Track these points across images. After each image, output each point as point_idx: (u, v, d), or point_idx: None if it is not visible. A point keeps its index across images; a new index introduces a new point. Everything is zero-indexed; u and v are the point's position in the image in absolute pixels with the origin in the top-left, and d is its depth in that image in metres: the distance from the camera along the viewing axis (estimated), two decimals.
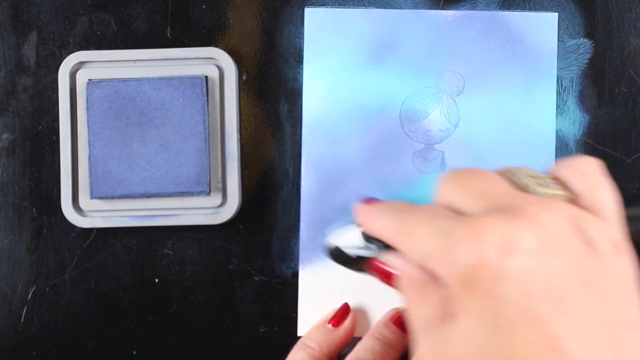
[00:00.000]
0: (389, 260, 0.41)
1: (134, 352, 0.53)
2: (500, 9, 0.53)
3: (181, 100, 0.51)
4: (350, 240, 0.42)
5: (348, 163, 0.53)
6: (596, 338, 0.32)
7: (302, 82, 0.53)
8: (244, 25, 0.54)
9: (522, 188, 0.37)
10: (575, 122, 0.53)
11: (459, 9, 0.53)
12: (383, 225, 0.39)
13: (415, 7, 0.53)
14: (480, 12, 0.53)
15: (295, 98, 0.53)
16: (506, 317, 0.33)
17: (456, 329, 0.34)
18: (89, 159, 0.51)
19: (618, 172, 0.53)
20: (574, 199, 0.37)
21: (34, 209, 0.53)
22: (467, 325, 0.34)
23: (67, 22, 0.54)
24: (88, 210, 0.52)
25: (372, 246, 0.41)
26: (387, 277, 0.41)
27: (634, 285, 0.35)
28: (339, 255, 0.43)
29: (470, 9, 0.53)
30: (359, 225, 0.42)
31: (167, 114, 0.51)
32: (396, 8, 0.53)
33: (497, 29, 0.53)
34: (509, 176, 0.38)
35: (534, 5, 0.53)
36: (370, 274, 0.42)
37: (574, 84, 0.53)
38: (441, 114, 0.53)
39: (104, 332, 0.53)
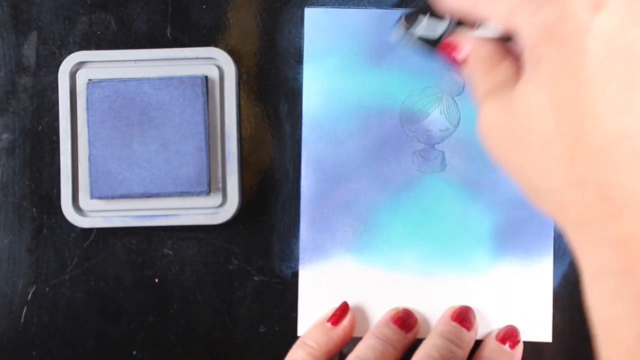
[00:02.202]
0: (462, 37, 0.41)
1: (134, 352, 0.53)
2: None
3: (181, 100, 0.51)
4: (422, 22, 0.43)
5: (348, 163, 0.53)
6: None
7: (302, 82, 0.53)
8: (244, 25, 0.54)
9: None
10: None
11: None
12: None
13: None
14: None
15: (295, 98, 0.53)
16: (588, 69, 0.33)
17: (532, 79, 0.34)
18: (89, 159, 0.51)
19: None
20: None
21: (34, 209, 0.53)
22: (545, 74, 0.34)
23: (67, 22, 0.54)
24: (88, 210, 0.52)
25: (445, 24, 0.42)
26: (456, 55, 0.41)
27: None
28: (412, 34, 0.43)
29: None
30: (436, 3, 0.42)
31: (167, 114, 0.51)
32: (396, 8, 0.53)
33: None
34: None
35: None
36: (441, 54, 0.42)
37: None
38: (441, 114, 0.53)
39: (104, 332, 0.53)
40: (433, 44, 0.42)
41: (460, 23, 0.41)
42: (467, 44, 0.40)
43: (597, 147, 0.33)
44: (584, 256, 0.33)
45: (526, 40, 0.35)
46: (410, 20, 0.43)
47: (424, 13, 0.43)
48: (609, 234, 0.32)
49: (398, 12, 0.53)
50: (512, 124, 0.35)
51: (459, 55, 0.41)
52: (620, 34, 0.33)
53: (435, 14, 0.42)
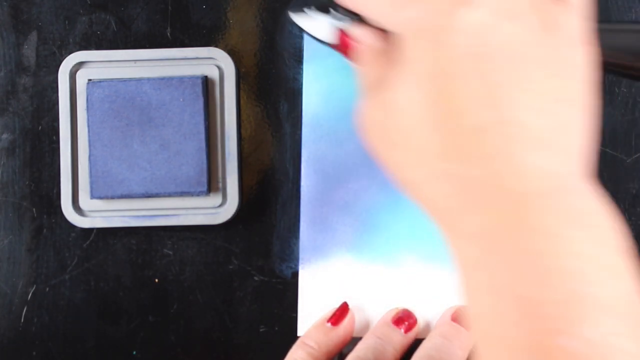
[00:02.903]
0: (352, 31, 0.41)
1: (134, 352, 0.53)
2: None
3: (181, 100, 0.51)
4: (321, 15, 0.43)
5: (348, 163, 0.53)
6: (532, 105, 0.33)
7: (302, 82, 0.53)
8: (244, 25, 0.54)
9: None
10: None
11: None
12: None
13: None
14: None
15: (295, 98, 0.53)
16: (450, 65, 0.33)
17: (398, 74, 0.35)
18: (89, 159, 0.51)
19: (618, 172, 0.53)
20: None
21: (34, 209, 0.53)
22: (411, 70, 0.34)
23: (67, 22, 0.54)
24: (88, 210, 0.52)
25: (341, 17, 0.42)
26: (347, 47, 0.41)
27: (582, 76, 0.35)
28: (309, 22, 0.44)
29: None
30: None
31: (167, 114, 0.51)
32: None
33: None
34: None
35: None
36: (334, 46, 0.43)
37: None
38: None
39: (104, 332, 0.53)
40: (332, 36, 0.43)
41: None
42: (364, 36, 0.41)
43: (454, 141, 0.33)
44: (452, 248, 0.34)
45: (396, 36, 0.36)
46: (298, 9, 0.44)
47: (322, 7, 0.43)
48: (467, 226, 0.33)
49: None
50: (385, 118, 0.36)
51: (354, 50, 0.41)
52: (485, 30, 0.33)
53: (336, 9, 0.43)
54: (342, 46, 0.43)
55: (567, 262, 0.30)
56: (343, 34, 0.42)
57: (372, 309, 0.52)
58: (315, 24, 0.44)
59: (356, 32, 0.41)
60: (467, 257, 0.33)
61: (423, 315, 0.52)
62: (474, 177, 0.32)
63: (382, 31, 0.40)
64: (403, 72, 0.35)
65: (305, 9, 0.44)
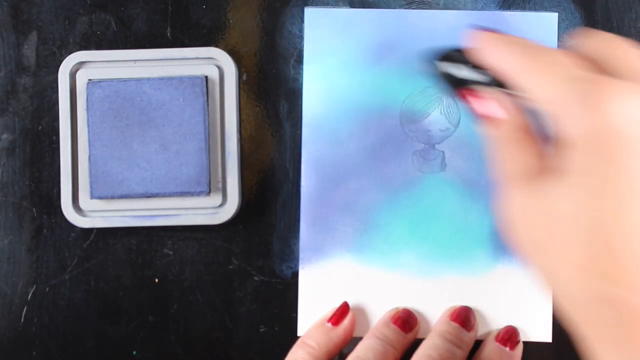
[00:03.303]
0: (498, 97, 0.38)
1: (134, 352, 0.53)
2: (500, 9, 0.53)
3: (181, 100, 0.51)
4: (459, 64, 0.40)
5: (348, 163, 0.53)
6: None
7: (302, 82, 0.53)
8: (244, 25, 0.54)
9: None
10: None
11: (459, 9, 0.53)
12: (509, 56, 0.37)
13: (416, 7, 0.53)
14: (480, 12, 0.53)
15: (295, 98, 0.53)
16: (626, 187, 0.32)
17: (568, 184, 0.33)
18: (89, 159, 0.51)
19: None
20: None
21: (34, 209, 0.53)
22: (582, 183, 0.33)
23: (67, 22, 0.54)
24: (88, 210, 0.52)
25: (482, 76, 0.39)
26: (485, 114, 0.39)
27: None
28: (444, 72, 0.40)
29: (470, 9, 0.53)
30: (475, 52, 0.39)
31: (167, 114, 0.51)
32: (394, 8, 0.53)
33: (497, 29, 0.53)
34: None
35: (534, 5, 0.53)
36: (465, 102, 0.40)
37: None
38: (441, 114, 0.53)
39: (104, 332, 0.53)
40: (458, 83, 0.40)
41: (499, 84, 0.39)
42: (508, 106, 0.38)
43: (622, 266, 0.32)
44: None
45: (569, 137, 0.34)
46: (447, 60, 0.41)
47: (464, 62, 0.40)
48: (626, 355, 0.32)
49: (397, 13, 0.53)
50: (540, 220, 0.34)
51: (480, 107, 0.39)
52: None
53: (475, 65, 0.39)
54: (477, 107, 0.39)
55: None
56: (490, 98, 0.39)
57: (372, 309, 0.52)
58: (452, 77, 0.40)
59: (504, 100, 0.38)
60: None
61: (423, 315, 0.52)
62: (635, 305, 0.32)
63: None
64: (572, 181, 0.33)
65: (439, 60, 0.41)
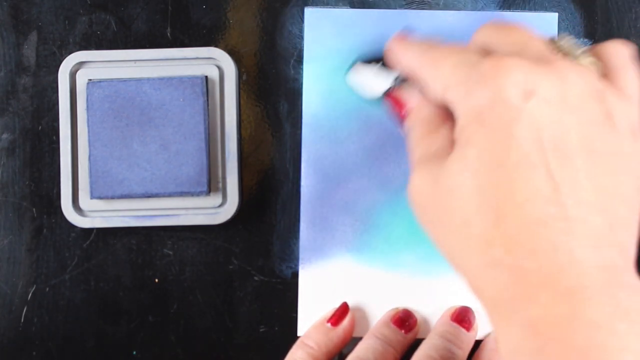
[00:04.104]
0: (406, 93, 0.41)
1: (134, 352, 0.53)
2: (500, 9, 0.53)
3: (181, 100, 0.51)
4: (373, 70, 0.44)
5: (348, 163, 0.53)
6: (592, 201, 0.33)
7: (302, 82, 0.53)
8: (244, 25, 0.54)
9: (561, 51, 0.38)
10: None
11: (459, 9, 0.53)
12: (412, 56, 0.40)
13: (416, 7, 0.53)
14: (480, 12, 0.53)
15: (295, 98, 0.53)
16: (514, 156, 0.33)
17: (459, 159, 0.35)
18: (89, 159, 0.51)
19: None
20: (605, 76, 0.37)
21: (34, 209, 0.53)
22: (471, 156, 0.34)
23: (67, 22, 0.54)
24: (88, 210, 0.52)
25: (393, 77, 0.43)
26: (399, 109, 0.42)
27: (636, 171, 0.35)
28: (361, 80, 0.45)
29: (470, 10, 0.53)
30: (388, 54, 0.43)
31: (167, 114, 0.51)
32: (394, 8, 0.53)
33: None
34: (552, 39, 0.38)
35: (534, 5, 0.53)
36: (386, 104, 0.43)
37: None
38: None
39: (104, 332, 0.53)
40: (382, 94, 0.44)
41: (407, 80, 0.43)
42: (411, 101, 0.41)
43: (514, 232, 0.33)
44: (499, 334, 0.34)
45: (458, 118, 0.36)
46: (364, 65, 0.45)
47: (377, 61, 0.44)
48: (521, 316, 0.33)
49: (397, 13, 0.53)
50: (438, 198, 0.36)
51: (403, 111, 0.42)
52: (549, 124, 0.34)
53: (386, 65, 0.44)
54: (392, 105, 0.43)
55: (614, 356, 0.31)
56: (401, 97, 0.43)
57: (372, 309, 0.52)
58: (364, 79, 0.45)
59: (406, 93, 0.42)
60: (517, 348, 0.33)
61: (423, 315, 0.52)
62: (530, 269, 0.33)
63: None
64: (462, 155, 0.35)
65: (358, 63, 0.45)
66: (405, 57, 0.41)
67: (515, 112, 0.34)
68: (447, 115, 0.39)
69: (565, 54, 0.37)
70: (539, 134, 0.34)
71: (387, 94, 0.43)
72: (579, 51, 0.38)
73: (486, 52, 0.37)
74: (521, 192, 0.33)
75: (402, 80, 0.43)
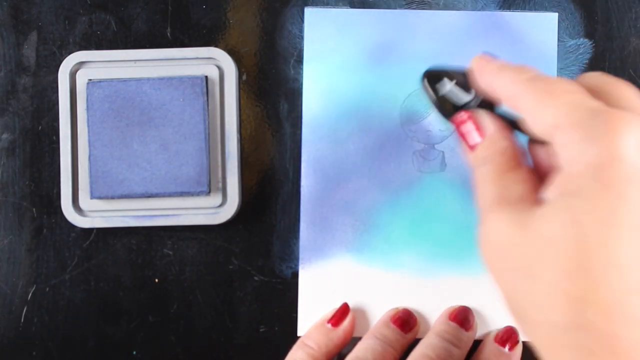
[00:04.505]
0: (483, 118, 0.37)
1: (134, 352, 0.53)
2: (500, 9, 0.53)
3: (181, 100, 0.51)
4: (452, 85, 0.39)
5: (348, 163, 0.53)
6: None
7: (302, 82, 0.53)
8: (244, 25, 0.54)
9: None
10: None
11: (459, 9, 0.53)
12: (512, 81, 0.36)
13: (416, 7, 0.53)
14: (480, 12, 0.53)
15: (295, 98, 0.53)
16: (624, 219, 0.31)
17: (562, 208, 0.32)
18: (89, 159, 0.51)
19: None
20: None
21: (34, 209, 0.53)
22: (579, 209, 0.32)
23: (67, 22, 0.54)
24: (88, 210, 0.52)
25: (470, 98, 0.38)
26: (470, 136, 0.38)
27: None
28: (433, 88, 0.39)
29: (470, 10, 0.53)
30: (473, 74, 0.38)
31: (167, 114, 0.51)
32: (394, 8, 0.53)
33: (497, 29, 0.53)
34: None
35: (534, 5, 0.53)
36: (455, 127, 0.38)
37: None
38: None
39: (104, 332, 0.53)
40: (451, 109, 0.39)
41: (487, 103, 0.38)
42: (487, 128, 0.37)
43: (612, 296, 0.31)
44: None
45: (565, 165, 0.33)
46: (434, 79, 0.39)
47: (451, 78, 0.39)
48: None
49: (397, 13, 0.53)
50: (522, 247, 0.33)
51: (472, 138, 0.38)
52: None
53: (462, 83, 0.39)
54: (462, 130, 0.38)
55: None
56: (476, 120, 0.38)
57: (372, 309, 0.52)
58: (453, 97, 0.39)
59: (485, 120, 0.37)
60: None
61: (423, 315, 0.52)
62: (625, 337, 0.31)
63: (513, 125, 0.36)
64: (568, 205, 0.32)
65: (446, 79, 0.39)
66: (502, 81, 0.37)
67: (632, 173, 0.32)
68: (522, 154, 0.36)
69: None
70: None
71: (461, 115, 0.38)
72: None
73: (597, 98, 0.34)
74: (627, 257, 0.31)
75: (479, 105, 0.38)
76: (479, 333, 0.52)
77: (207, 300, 0.53)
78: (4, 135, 0.53)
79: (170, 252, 0.53)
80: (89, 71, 0.52)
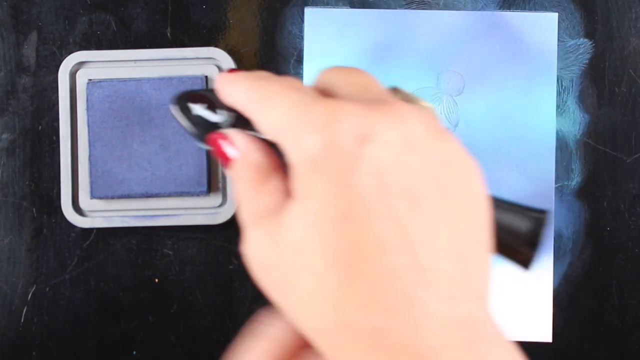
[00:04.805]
0: (232, 135, 0.37)
1: (134, 352, 0.53)
2: (500, 9, 0.53)
3: None
4: (200, 107, 0.38)
5: None
6: (445, 247, 0.31)
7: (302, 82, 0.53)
8: (244, 25, 0.54)
9: (400, 96, 0.36)
10: (575, 122, 0.53)
11: (459, 9, 0.53)
12: (241, 92, 0.36)
13: (415, 7, 0.53)
14: (480, 12, 0.53)
15: None
16: (356, 207, 0.30)
17: (300, 213, 0.32)
18: (89, 159, 0.51)
19: (618, 172, 0.53)
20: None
21: (34, 209, 0.53)
22: (312, 210, 0.31)
23: (67, 22, 0.54)
24: (88, 210, 0.52)
25: (222, 116, 0.37)
26: (223, 156, 0.37)
27: (481, 209, 0.33)
28: (184, 114, 0.38)
29: (470, 10, 0.53)
30: (219, 93, 0.37)
31: (167, 114, 0.51)
32: (394, 8, 0.53)
33: (497, 29, 0.53)
34: (391, 87, 0.37)
35: (534, 5, 0.53)
36: (209, 148, 0.38)
37: (574, 84, 0.53)
38: (441, 113, 0.53)
39: (104, 332, 0.53)
40: (204, 132, 0.38)
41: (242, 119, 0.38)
42: (239, 143, 0.36)
43: (367, 288, 0.30)
44: None
45: (292, 165, 0.32)
46: (186, 102, 0.39)
47: (203, 100, 0.39)
48: None
49: (397, 13, 0.53)
50: (281, 258, 0.33)
51: (226, 157, 0.37)
52: (392, 168, 0.31)
53: (215, 103, 0.38)
54: (216, 150, 0.37)
55: None
56: (219, 137, 0.37)
57: None
58: (193, 120, 0.39)
59: (235, 137, 0.36)
60: None
61: None
62: (388, 329, 0.30)
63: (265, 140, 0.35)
64: (302, 209, 0.32)
65: (191, 104, 0.39)
66: (234, 92, 0.36)
67: (352, 159, 0.31)
68: (278, 161, 0.35)
69: (404, 99, 0.35)
70: (381, 179, 0.31)
71: (211, 136, 0.38)
72: (416, 98, 0.36)
73: (324, 94, 0.34)
74: (369, 245, 0.30)
75: (232, 122, 0.37)
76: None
77: (207, 300, 0.53)
78: (4, 135, 0.53)
79: (170, 252, 0.53)
80: (89, 71, 0.52)
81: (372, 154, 0.31)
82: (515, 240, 0.38)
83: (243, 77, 0.36)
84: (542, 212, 0.38)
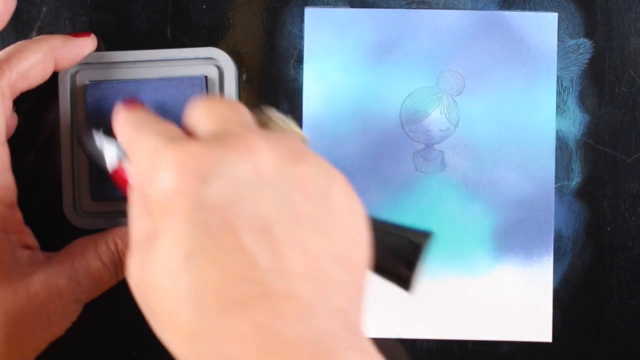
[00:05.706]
0: (127, 167, 0.40)
1: (134, 352, 0.53)
2: (500, 9, 0.53)
3: (181, 100, 0.51)
4: (99, 139, 0.42)
5: (348, 163, 0.53)
6: (298, 270, 0.32)
7: (302, 82, 0.53)
8: (244, 25, 0.54)
9: (264, 123, 0.38)
10: (575, 122, 0.53)
11: (459, 9, 0.53)
12: (124, 132, 0.39)
13: (416, 7, 0.53)
14: (480, 12, 0.53)
15: (295, 98, 0.53)
16: (204, 246, 0.32)
17: (155, 251, 0.33)
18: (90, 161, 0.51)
19: (618, 172, 0.53)
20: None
21: (34, 210, 0.53)
22: (164, 250, 0.33)
23: (67, 22, 0.54)
24: (89, 212, 0.52)
25: (115, 149, 0.40)
26: (123, 184, 0.40)
27: (350, 224, 0.34)
28: (88, 147, 0.42)
29: (470, 9, 0.53)
30: (113, 125, 0.41)
31: (167, 115, 0.51)
32: (394, 8, 0.53)
33: (497, 29, 0.53)
34: (258, 109, 0.38)
35: (534, 5, 0.53)
36: (113, 178, 0.41)
37: (574, 84, 0.53)
38: (441, 113, 0.53)
39: (104, 332, 0.53)
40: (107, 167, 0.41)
41: None
42: (131, 173, 0.39)
43: (217, 321, 0.31)
44: None
45: (151, 202, 0.35)
46: (88, 130, 0.42)
47: (98, 128, 0.42)
48: None
49: (397, 13, 0.53)
50: (145, 288, 0.35)
51: (125, 184, 0.40)
52: (237, 201, 0.32)
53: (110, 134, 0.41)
54: (117, 181, 0.40)
55: None
56: (120, 168, 0.40)
57: (370, 309, 0.52)
58: (100, 150, 0.41)
59: (129, 169, 0.39)
60: None
61: (423, 315, 0.52)
62: (238, 357, 0.30)
63: None
64: (157, 246, 0.33)
65: (95, 132, 0.42)
66: (119, 130, 0.39)
67: (195, 200, 0.32)
68: None
69: (263, 124, 0.37)
70: (225, 214, 0.32)
71: (112, 167, 0.40)
72: (282, 122, 0.38)
73: (190, 132, 0.36)
74: (218, 278, 0.31)
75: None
76: (479, 333, 0.52)
77: None
78: None
79: None
80: (89, 72, 0.52)
81: (215, 192, 0.32)
82: (394, 262, 0.39)
83: (123, 117, 0.39)
84: (425, 234, 0.39)
